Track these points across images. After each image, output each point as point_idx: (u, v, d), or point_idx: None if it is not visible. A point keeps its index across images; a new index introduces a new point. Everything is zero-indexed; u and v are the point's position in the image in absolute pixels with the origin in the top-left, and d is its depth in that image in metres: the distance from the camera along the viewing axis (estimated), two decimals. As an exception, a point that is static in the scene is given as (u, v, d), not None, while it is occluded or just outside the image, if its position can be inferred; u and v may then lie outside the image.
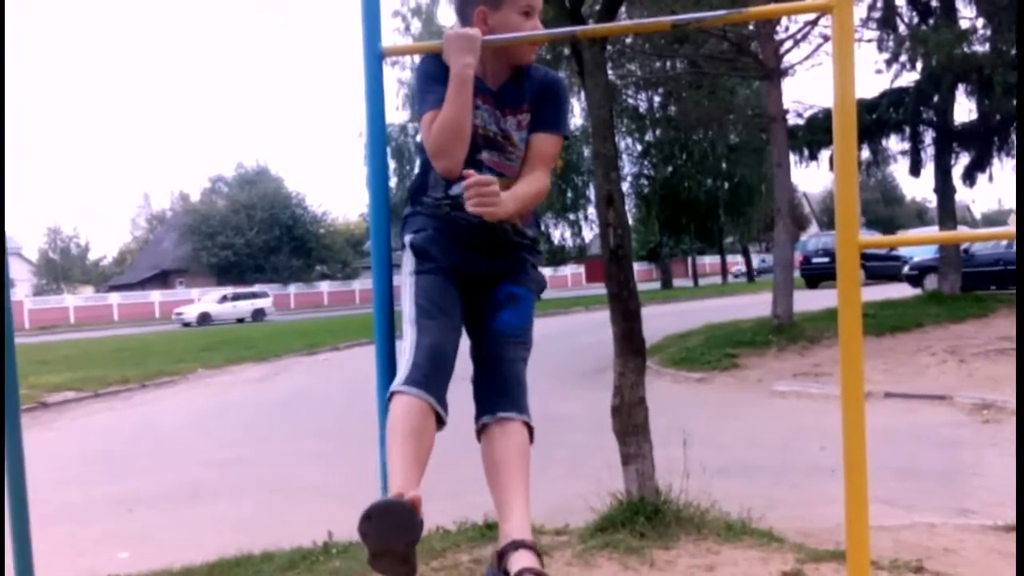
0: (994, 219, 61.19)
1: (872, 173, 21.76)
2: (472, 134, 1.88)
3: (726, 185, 32.63)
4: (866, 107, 14.20)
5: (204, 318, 34.86)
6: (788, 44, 13.39)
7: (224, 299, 36.94)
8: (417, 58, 2.10)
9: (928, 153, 15.05)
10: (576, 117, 24.74)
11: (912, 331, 11.70)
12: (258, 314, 36.45)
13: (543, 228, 33.06)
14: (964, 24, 13.33)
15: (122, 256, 63.21)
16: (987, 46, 12.85)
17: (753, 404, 8.90)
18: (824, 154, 15.04)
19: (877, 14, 13.93)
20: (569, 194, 34.41)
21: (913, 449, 6.30)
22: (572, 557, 3.71)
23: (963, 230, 24.77)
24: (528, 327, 1.99)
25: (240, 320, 35.64)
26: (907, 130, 14.99)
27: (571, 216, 36.13)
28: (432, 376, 1.76)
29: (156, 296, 44.67)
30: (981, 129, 14.37)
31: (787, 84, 15.69)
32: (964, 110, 19.96)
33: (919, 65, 13.61)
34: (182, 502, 6.08)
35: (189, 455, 7.87)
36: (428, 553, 3.84)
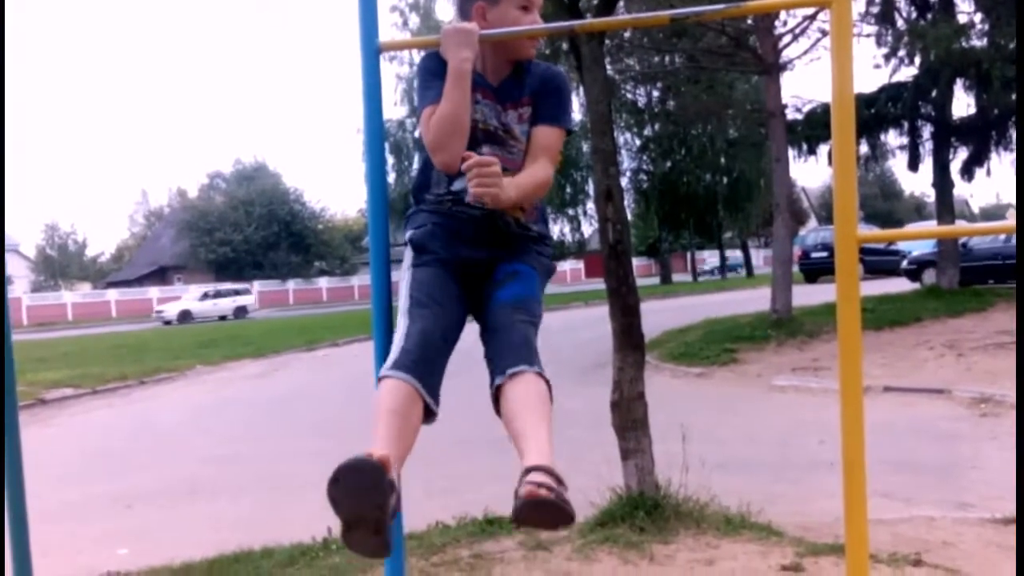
0: (992, 213, 61.16)
1: (871, 168, 21.81)
2: (472, 129, 1.88)
3: (725, 180, 32.55)
4: (865, 102, 14.18)
5: (185, 316, 34.26)
6: (787, 39, 13.40)
7: (205, 296, 36.37)
8: (415, 54, 2.10)
9: (926, 148, 15.04)
10: (575, 112, 24.65)
11: (911, 325, 11.70)
12: (240, 311, 35.66)
13: (543, 224, 32.83)
14: (962, 19, 13.34)
15: (120, 253, 63.19)
16: (985, 41, 12.86)
17: (752, 399, 8.91)
18: (823, 149, 15.05)
19: (875, 9, 13.92)
20: (568, 189, 34.29)
21: (912, 443, 6.31)
22: (572, 552, 3.71)
23: (961, 224, 24.74)
24: (532, 298, 1.90)
25: (222, 318, 34.86)
26: (905, 125, 14.99)
27: (570, 211, 36.04)
28: (421, 363, 1.72)
29: (154, 292, 44.51)
30: (979, 124, 14.35)
31: (786, 79, 15.65)
32: (962, 105, 19.92)
33: (917, 60, 13.62)
34: (181, 499, 6.07)
35: (188, 452, 7.85)
36: (428, 548, 3.84)
